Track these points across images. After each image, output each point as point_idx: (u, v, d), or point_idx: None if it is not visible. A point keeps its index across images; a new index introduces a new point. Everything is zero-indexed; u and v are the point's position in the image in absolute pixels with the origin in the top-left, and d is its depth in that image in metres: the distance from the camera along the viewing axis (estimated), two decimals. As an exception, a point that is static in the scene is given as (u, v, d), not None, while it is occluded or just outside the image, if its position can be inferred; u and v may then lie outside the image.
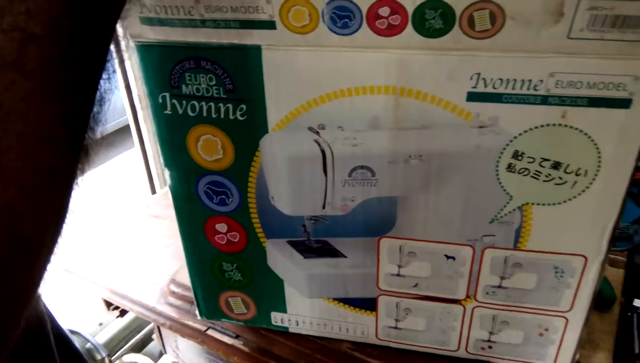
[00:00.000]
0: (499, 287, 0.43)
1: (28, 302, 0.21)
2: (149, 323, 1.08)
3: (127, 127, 1.38)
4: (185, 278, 0.61)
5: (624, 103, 0.33)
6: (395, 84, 0.36)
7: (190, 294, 0.59)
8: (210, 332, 0.59)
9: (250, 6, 0.35)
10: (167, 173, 0.45)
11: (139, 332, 1.16)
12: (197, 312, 0.55)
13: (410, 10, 0.33)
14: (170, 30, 0.37)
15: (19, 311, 0.20)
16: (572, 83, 0.33)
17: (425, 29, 0.33)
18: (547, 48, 0.32)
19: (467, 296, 0.45)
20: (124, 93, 1.27)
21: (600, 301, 0.54)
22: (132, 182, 1.83)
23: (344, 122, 0.38)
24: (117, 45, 0.24)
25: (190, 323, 0.60)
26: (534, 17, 0.31)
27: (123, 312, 0.72)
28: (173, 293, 0.63)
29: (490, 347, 0.47)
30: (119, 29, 0.24)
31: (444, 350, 0.49)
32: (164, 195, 0.84)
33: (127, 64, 1.19)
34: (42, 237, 0.20)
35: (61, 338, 0.42)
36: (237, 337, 0.57)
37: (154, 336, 0.80)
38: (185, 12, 0.36)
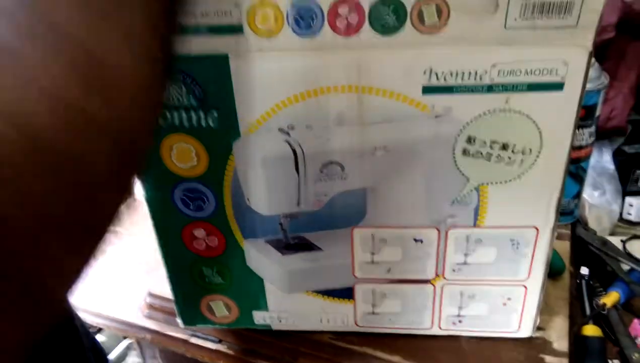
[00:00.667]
0: (464, 263, 0.47)
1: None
2: (122, 339, 1.07)
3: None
4: (162, 290, 0.62)
5: (558, 86, 0.37)
6: (357, 83, 0.39)
7: (169, 305, 0.60)
8: (193, 340, 0.60)
9: (219, 10, 0.37)
10: (140, 184, 0.47)
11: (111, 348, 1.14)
12: (178, 320, 0.56)
13: (366, 8, 0.36)
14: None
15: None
16: (512, 71, 0.37)
17: (381, 25, 0.37)
18: (488, 39, 0.36)
19: (436, 275, 0.48)
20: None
21: (552, 271, 0.59)
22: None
23: (312, 122, 0.41)
24: None
25: (172, 333, 0.61)
26: (474, 9, 0.35)
27: (99, 330, 0.71)
28: (151, 306, 0.63)
29: (460, 322, 0.51)
30: None
31: (419, 329, 0.52)
32: (130, 213, 0.84)
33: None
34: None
35: (87, 332, 0.42)
36: (220, 341, 0.59)
37: (131, 352, 0.80)
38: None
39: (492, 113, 0.39)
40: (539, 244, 0.45)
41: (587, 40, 0.36)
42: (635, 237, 0.68)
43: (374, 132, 0.41)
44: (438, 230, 0.46)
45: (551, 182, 0.42)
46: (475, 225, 0.45)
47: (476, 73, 0.37)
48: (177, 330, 0.61)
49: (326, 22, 0.37)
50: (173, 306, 0.58)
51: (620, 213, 0.72)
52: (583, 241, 0.66)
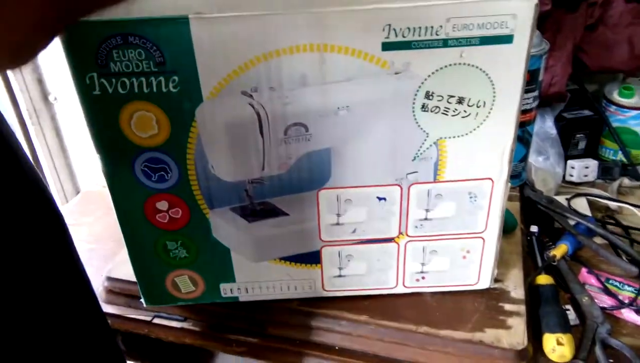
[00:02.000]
0: (425, 219, 0.49)
1: None
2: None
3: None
4: (120, 273, 0.60)
5: (508, 39, 0.40)
6: (319, 41, 0.39)
7: (129, 287, 0.59)
8: (156, 320, 0.59)
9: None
10: (98, 158, 0.45)
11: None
12: (142, 301, 0.55)
13: None
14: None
15: None
16: (465, 25, 0.39)
17: (339, -12, 0.38)
18: (443, -4, 0.38)
19: (400, 233, 0.50)
20: (12, 113, 1.19)
21: (505, 227, 0.62)
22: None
23: (274, 83, 0.41)
24: None
25: (133, 316, 0.60)
26: None
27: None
28: (110, 291, 0.61)
29: (423, 278, 0.53)
30: None
31: (385, 288, 0.54)
32: (76, 203, 0.81)
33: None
34: None
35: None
36: (185, 319, 0.58)
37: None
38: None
39: (448, 67, 0.41)
40: (494, 196, 0.48)
41: (533, -7, 0.38)
42: (578, 195, 0.72)
43: (336, 91, 0.42)
44: (400, 187, 0.47)
45: (504, 134, 0.44)
46: (435, 180, 0.47)
47: (432, 28, 0.39)
48: (139, 313, 0.59)
49: None
50: (132, 288, 0.57)
51: (564, 176, 0.77)
52: (531, 201, 0.70)
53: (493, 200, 0.48)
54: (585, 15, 0.77)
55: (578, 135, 0.77)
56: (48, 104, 1.18)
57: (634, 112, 0.74)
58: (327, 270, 0.52)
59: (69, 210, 0.81)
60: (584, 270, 0.61)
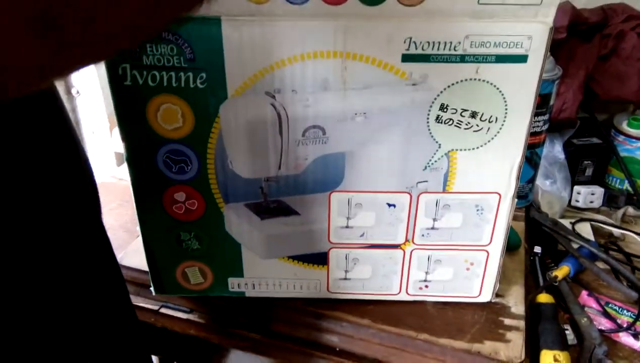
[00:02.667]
0: (432, 228, 0.51)
1: None
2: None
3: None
4: (131, 262, 0.62)
5: (522, 58, 0.41)
6: (342, 49, 0.41)
7: (139, 276, 0.61)
8: (163, 310, 0.60)
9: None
10: (123, 146, 0.47)
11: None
12: (151, 289, 0.57)
13: None
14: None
15: None
16: (482, 43, 0.41)
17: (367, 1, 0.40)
18: (462, 13, 0.40)
19: (406, 240, 0.51)
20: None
21: (509, 245, 0.64)
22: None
23: (297, 86, 0.43)
24: None
25: (141, 304, 0.61)
26: None
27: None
28: (121, 278, 0.63)
29: (426, 286, 0.55)
30: None
31: (388, 294, 0.55)
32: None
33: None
34: None
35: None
36: (191, 311, 0.60)
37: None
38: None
39: (463, 82, 0.43)
40: (500, 210, 0.49)
41: (549, 17, 0.40)
42: (582, 219, 0.73)
43: (355, 97, 0.44)
44: (410, 195, 0.49)
45: (514, 151, 0.46)
46: (444, 191, 0.48)
47: (451, 43, 0.41)
48: (147, 302, 0.61)
49: None
50: (142, 277, 0.59)
51: (570, 200, 0.78)
52: (537, 222, 0.71)
53: (499, 215, 0.50)
54: (598, 46, 0.79)
55: (586, 162, 0.78)
56: (70, 98, 1.21)
57: (642, 143, 0.76)
58: (333, 272, 0.54)
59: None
60: (584, 292, 0.62)
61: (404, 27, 0.41)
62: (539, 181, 0.76)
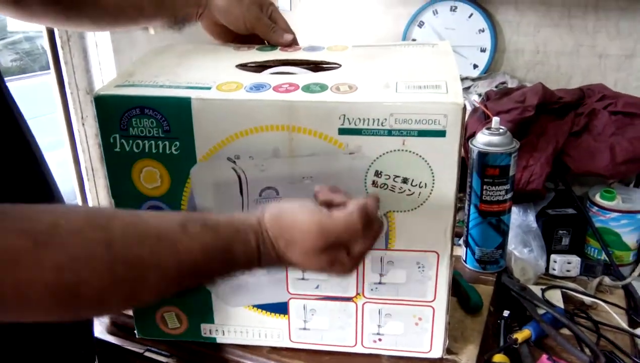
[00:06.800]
0: (379, 283, 0.56)
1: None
2: None
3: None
4: (125, 309, 0.69)
5: (441, 133, 0.48)
6: (289, 123, 0.50)
7: (129, 321, 0.68)
8: (147, 354, 0.66)
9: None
10: (113, 202, 0.56)
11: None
12: (136, 331, 0.63)
13: (301, 85, 0.49)
14: (131, 88, 0.50)
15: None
16: (405, 120, 0.48)
17: (309, 91, 0.49)
18: (387, 97, 0.48)
19: (357, 293, 0.57)
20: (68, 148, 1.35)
21: (471, 307, 0.67)
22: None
23: (253, 153, 0.51)
24: None
25: (129, 347, 0.67)
26: (374, 87, 0.47)
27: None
28: (113, 323, 0.70)
29: (380, 340, 0.59)
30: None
31: (345, 346, 0.59)
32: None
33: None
34: None
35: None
36: (171, 355, 0.65)
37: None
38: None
39: (393, 152, 0.49)
40: (440, 268, 0.54)
41: (459, 99, 0.47)
42: (553, 287, 0.76)
43: (301, 164, 0.51)
44: (356, 252, 0.54)
45: (445, 213, 0.52)
46: (386, 248, 0.54)
47: (378, 120, 0.48)
48: (134, 345, 0.67)
49: (271, 89, 0.50)
50: (131, 322, 0.66)
51: (547, 268, 0.81)
52: (506, 287, 0.74)
53: (440, 272, 0.54)
54: (571, 123, 0.85)
55: (561, 231, 0.82)
56: (104, 165, 1.34)
57: (614, 214, 0.79)
58: (294, 321, 0.59)
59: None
60: (544, 356, 0.64)
61: (338, 106, 0.49)
62: (515, 248, 0.80)
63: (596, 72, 0.99)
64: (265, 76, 0.54)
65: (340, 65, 0.56)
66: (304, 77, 0.53)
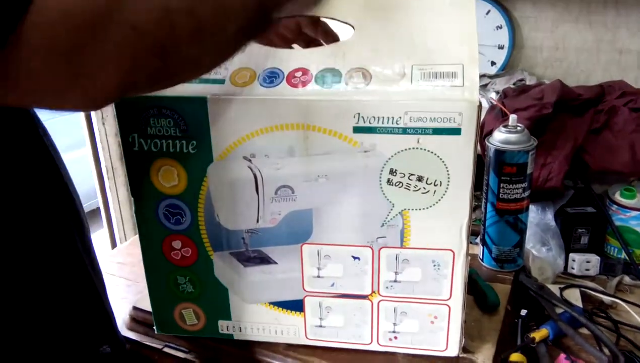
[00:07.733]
0: (395, 281, 0.56)
1: None
2: None
3: (97, 210, 1.49)
4: (145, 304, 0.70)
5: (456, 131, 0.48)
6: (304, 122, 0.50)
7: (149, 317, 0.69)
8: (166, 349, 0.67)
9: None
10: (133, 201, 0.57)
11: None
12: (155, 327, 0.64)
13: (314, 72, 0.49)
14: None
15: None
16: (420, 118, 0.48)
17: (323, 83, 0.49)
18: (401, 94, 0.48)
19: (373, 291, 0.57)
20: (93, 167, 1.39)
21: (488, 306, 0.67)
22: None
23: (269, 152, 0.52)
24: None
25: (148, 343, 0.69)
26: (388, 76, 0.47)
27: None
28: (133, 319, 0.71)
29: (395, 338, 0.59)
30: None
31: (361, 344, 0.60)
32: (126, 246, 0.94)
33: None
34: None
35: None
36: (189, 351, 0.66)
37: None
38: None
39: (407, 150, 0.50)
40: (456, 267, 0.54)
41: (474, 97, 0.47)
42: (572, 286, 0.75)
43: (316, 162, 0.52)
44: (372, 249, 0.55)
45: (460, 211, 0.51)
46: (402, 246, 0.54)
47: (393, 118, 0.48)
48: (154, 341, 0.68)
49: (284, 80, 0.50)
50: (151, 319, 0.67)
51: (566, 267, 0.80)
52: (524, 286, 0.73)
53: (455, 271, 0.54)
54: (590, 120, 0.84)
55: (580, 230, 0.81)
56: (124, 163, 1.37)
57: (635, 213, 0.77)
58: (310, 318, 0.59)
59: (118, 250, 0.95)
60: (562, 356, 0.63)
61: (353, 104, 0.49)
62: (533, 247, 0.79)
63: (616, 68, 0.98)
64: (276, 60, 0.53)
65: (352, 28, 0.52)
66: (317, 57, 0.52)
